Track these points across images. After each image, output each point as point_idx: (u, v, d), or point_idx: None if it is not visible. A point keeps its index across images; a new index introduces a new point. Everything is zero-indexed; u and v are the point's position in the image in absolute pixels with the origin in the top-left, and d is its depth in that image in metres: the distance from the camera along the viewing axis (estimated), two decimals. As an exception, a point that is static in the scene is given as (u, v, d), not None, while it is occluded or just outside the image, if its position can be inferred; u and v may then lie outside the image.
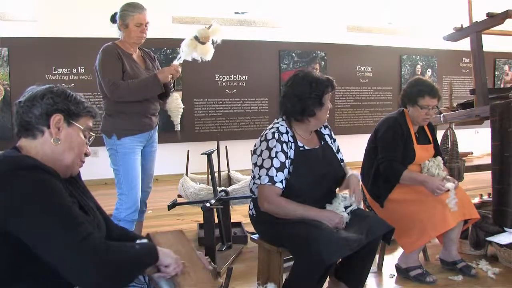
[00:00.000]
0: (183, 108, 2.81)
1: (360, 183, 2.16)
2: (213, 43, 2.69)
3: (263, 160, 1.98)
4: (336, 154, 2.20)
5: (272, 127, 2.07)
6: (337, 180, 2.14)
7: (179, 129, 2.85)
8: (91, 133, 1.34)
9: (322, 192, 2.05)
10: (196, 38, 2.64)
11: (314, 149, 2.10)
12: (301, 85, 2.04)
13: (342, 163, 2.21)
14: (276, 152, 1.97)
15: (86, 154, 1.34)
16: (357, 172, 2.15)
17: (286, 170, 1.98)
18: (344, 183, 2.09)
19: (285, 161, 1.98)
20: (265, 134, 2.04)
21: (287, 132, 2.05)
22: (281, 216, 1.94)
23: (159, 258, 1.25)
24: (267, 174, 1.95)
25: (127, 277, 1.15)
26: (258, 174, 1.99)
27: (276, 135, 2.00)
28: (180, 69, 2.67)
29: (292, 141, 2.05)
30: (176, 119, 2.79)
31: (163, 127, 2.83)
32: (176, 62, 2.69)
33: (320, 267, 1.76)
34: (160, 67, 2.83)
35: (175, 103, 2.75)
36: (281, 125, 2.07)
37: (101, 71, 2.51)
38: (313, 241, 1.77)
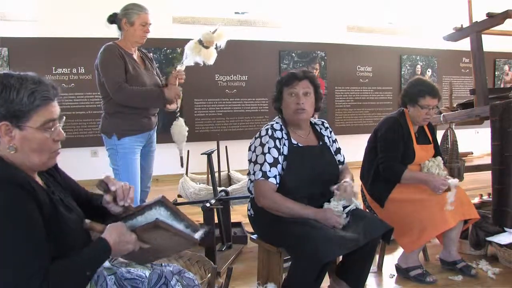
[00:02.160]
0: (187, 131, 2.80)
1: (354, 188, 2.05)
2: (216, 47, 2.70)
3: (257, 156, 2.01)
4: (334, 156, 2.20)
5: (267, 125, 2.10)
6: (335, 180, 2.14)
7: (182, 155, 2.83)
8: (53, 124, 1.18)
9: (318, 190, 2.06)
10: (200, 42, 2.65)
11: (309, 147, 2.11)
12: None
13: (342, 165, 2.22)
14: (269, 148, 1.99)
15: (58, 140, 1.21)
16: (350, 181, 2.07)
17: (279, 166, 2.00)
18: (336, 186, 2.02)
19: (278, 157, 2.00)
20: (260, 131, 2.08)
21: (281, 129, 2.08)
22: (276, 212, 1.95)
23: (112, 252, 1.21)
24: (260, 170, 1.97)
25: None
26: (253, 170, 2.02)
27: (270, 132, 2.03)
28: (184, 75, 2.69)
29: (285, 138, 2.07)
30: (180, 146, 2.78)
31: (163, 128, 2.83)
32: (180, 67, 2.69)
33: (317, 265, 1.76)
34: (157, 68, 2.84)
35: (180, 129, 2.75)
36: (276, 123, 2.11)
37: (104, 70, 2.52)
38: (310, 239, 1.77)
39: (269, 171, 1.97)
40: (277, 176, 1.99)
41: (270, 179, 1.96)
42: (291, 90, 2.07)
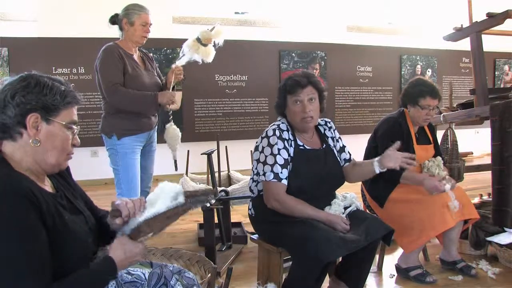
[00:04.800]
0: (180, 135, 2.78)
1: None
2: (214, 45, 2.70)
3: (266, 156, 1.99)
4: (338, 158, 2.17)
5: (274, 124, 2.08)
6: (337, 184, 2.13)
7: (176, 159, 2.80)
8: (75, 126, 1.22)
9: (321, 193, 2.05)
10: (198, 40, 2.65)
11: (314, 150, 2.10)
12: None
13: (349, 162, 2.19)
14: (279, 149, 1.98)
15: (74, 145, 1.23)
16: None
17: (289, 167, 1.99)
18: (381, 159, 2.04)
19: (287, 158, 1.99)
20: (266, 131, 2.05)
21: (287, 130, 2.06)
22: (286, 214, 1.95)
23: (118, 269, 1.19)
24: (272, 171, 1.95)
25: None
26: (263, 170, 1.99)
27: (277, 132, 2.01)
28: (182, 71, 2.69)
29: (292, 139, 2.05)
30: (174, 150, 2.77)
31: (163, 128, 2.83)
32: (178, 64, 2.68)
33: (318, 266, 1.76)
34: (158, 68, 2.84)
35: (172, 134, 2.74)
36: (282, 123, 2.08)
37: (101, 72, 2.52)
38: (310, 240, 1.77)
39: (281, 172, 1.96)
40: (287, 178, 1.98)
41: (282, 181, 1.96)
42: (295, 98, 2.02)
